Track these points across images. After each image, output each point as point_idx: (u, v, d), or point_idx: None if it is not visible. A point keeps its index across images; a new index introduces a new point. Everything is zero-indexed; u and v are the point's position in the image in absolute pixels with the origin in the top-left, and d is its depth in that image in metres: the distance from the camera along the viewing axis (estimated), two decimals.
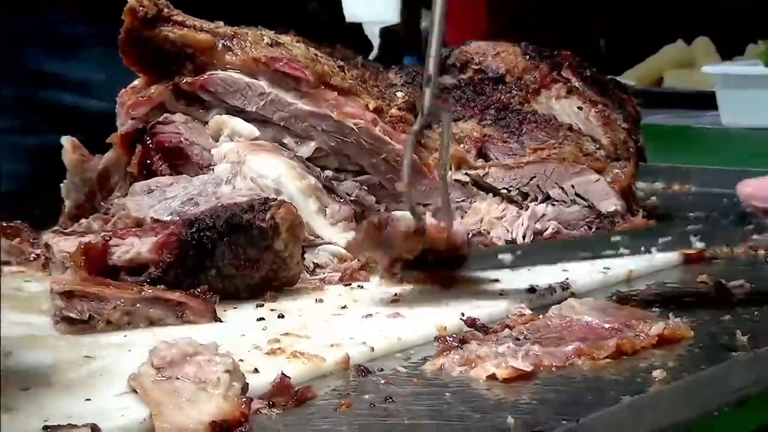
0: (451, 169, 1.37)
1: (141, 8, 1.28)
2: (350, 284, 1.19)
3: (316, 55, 1.37)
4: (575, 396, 0.88)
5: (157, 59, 1.32)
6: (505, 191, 1.37)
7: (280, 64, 1.30)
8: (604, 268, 1.26)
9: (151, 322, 1.01)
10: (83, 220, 1.23)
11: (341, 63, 1.38)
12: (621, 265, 1.26)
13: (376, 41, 1.91)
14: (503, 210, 1.31)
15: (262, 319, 1.06)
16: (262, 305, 1.10)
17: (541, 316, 1.05)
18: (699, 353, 0.97)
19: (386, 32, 1.85)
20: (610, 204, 1.40)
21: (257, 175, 1.22)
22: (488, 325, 1.04)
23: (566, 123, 1.49)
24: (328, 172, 1.29)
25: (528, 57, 1.55)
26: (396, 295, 1.15)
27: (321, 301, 1.13)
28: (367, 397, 0.87)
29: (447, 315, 1.07)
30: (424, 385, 0.90)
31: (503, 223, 1.30)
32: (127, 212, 1.14)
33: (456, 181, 1.36)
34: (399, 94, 1.39)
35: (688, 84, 2.56)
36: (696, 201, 1.75)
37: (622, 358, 0.95)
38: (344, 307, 1.11)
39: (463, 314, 1.06)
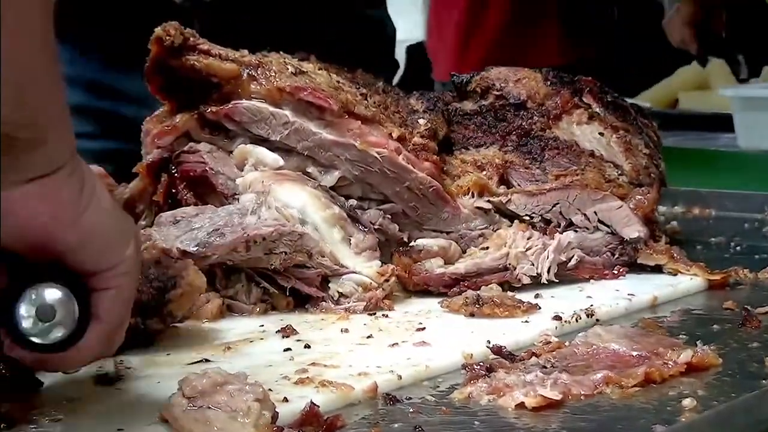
0: (472, 196, 1.37)
1: (168, 37, 1.29)
2: (375, 313, 1.19)
3: (339, 82, 1.38)
4: (605, 425, 0.87)
5: (182, 88, 1.32)
6: (527, 218, 1.37)
7: (305, 93, 1.30)
8: (629, 294, 1.26)
9: None
10: None
11: (363, 90, 1.39)
12: (645, 292, 1.27)
13: (401, 59, 1.93)
14: (528, 239, 1.31)
15: (288, 349, 1.06)
16: (288, 336, 1.11)
17: (567, 344, 1.05)
18: (728, 381, 0.96)
19: (413, 49, 1.87)
20: (633, 230, 1.39)
21: (282, 205, 1.22)
22: (515, 353, 1.04)
23: (588, 149, 1.49)
24: (352, 201, 1.29)
25: (549, 83, 1.55)
26: (421, 323, 1.15)
27: (346, 330, 1.13)
28: (396, 426, 0.87)
29: (473, 342, 1.07)
30: (452, 414, 0.90)
31: (529, 256, 1.30)
32: (153, 242, 1.14)
33: (478, 208, 1.36)
34: (421, 121, 1.39)
35: (703, 106, 2.55)
36: (717, 225, 1.75)
37: (651, 387, 0.95)
38: (370, 336, 1.11)
39: (489, 342, 1.07)
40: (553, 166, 1.44)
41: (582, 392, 0.93)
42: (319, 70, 1.39)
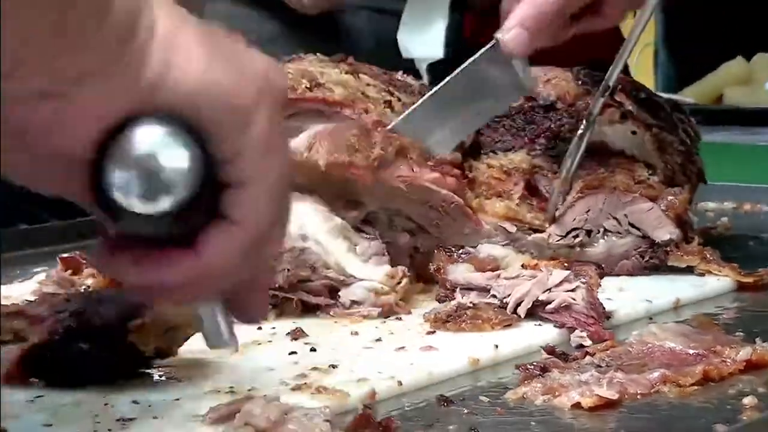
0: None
1: None
2: (388, 316, 1.18)
3: (368, 85, 1.37)
4: (664, 424, 0.87)
5: None
6: (572, 240, 1.34)
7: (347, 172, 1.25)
8: (650, 296, 1.23)
9: None
10: None
11: (388, 97, 1.37)
12: (667, 294, 1.24)
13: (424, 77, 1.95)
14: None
15: (294, 353, 1.06)
16: (297, 339, 1.10)
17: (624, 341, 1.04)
18: None
19: (433, 68, 1.88)
20: (665, 232, 1.36)
21: None
22: (568, 353, 1.03)
23: (619, 149, 1.46)
24: (355, 213, 1.27)
25: (580, 82, 1.52)
26: (432, 326, 1.14)
27: (356, 333, 1.13)
28: (451, 427, 0.87)
29: (481, 347, 1.06)
30: (507, 415, 0.90)
31: (512, 284, 1.17)
32: None
33: (501, 225, 1.34)
34: None
35: (749, 101, 2.52)
36: None
37: (709, 385, 0.94)
38: (378, 340, 1.10)
39: (496, 345, 1.06)
40: (581, 169, 1.42)
41: (639, 391, 0.92)
42: (345, 74, 1.37)
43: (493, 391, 0.96)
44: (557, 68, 1.55)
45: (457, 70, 1.34)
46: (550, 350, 1.04)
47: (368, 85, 1.38)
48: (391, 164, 1.27)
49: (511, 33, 1.30)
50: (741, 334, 1.06)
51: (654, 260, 1.36)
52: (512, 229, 1.33)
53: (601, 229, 1.36)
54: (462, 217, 1.31)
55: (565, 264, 1.19)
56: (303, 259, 1.20)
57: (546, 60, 1.47)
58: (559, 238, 1.35)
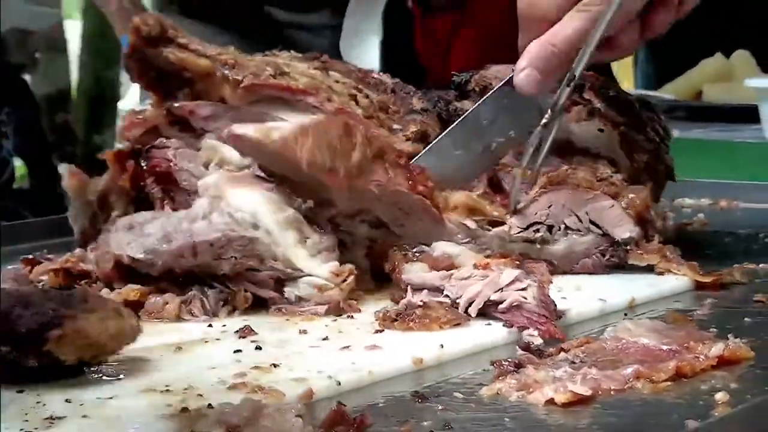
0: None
1: (145, 27, 1.29)
2: (340, 314, 1.18)
3: (337, 82, 1.36)
4: (637, 420, 0.87)
5: (160, 80, 1.32)
6: (532, 234, 1.34)
7: None
8: (603, 296, 1.22)
9: None
10: (78, 250, 1.24)
11: (353, 92, 1.37)
12: (623, 293, 1.24)
13: None
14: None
15: (239, 351, 1.05)
16: (245, 337, 1.10)
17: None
18: (761, 374, 0.96)
19: None
20: (625, 230, 1.35)
21: (235, 210, 1.20)
22: (543, 349, 1.03)
23: (582, 146, 1.45)
24: (310, 202, 1.26)
25: None
26: (381, 325, 1.13)
27: (305, 332, 1.12)
28: (425, 423, 0.87)
29: (426, 346, 1.05)
30: (482, 411, 0.90)
31: (464, 284, 1.17)
32: (107, 250, 1.15)
33: (462, 223, 1.33)
34: (412, 126, 1.37)
35: (728, 97, 2.52)
36: (746, 217, 1.72)
37: (682, 381, 0.95)
38: (326, 338, 1.09)
39: (442, 345, 1.05)
40: (544, 166, 1.41)
41: (612, 387, 0.93)
42: (313, 69, 1.37)
43: (468, 387, 0.96)
44: None
45: (479, 101, 1.38)
46: (525, 346, 1.04)
47: (336, 81, 1.38)
48: (368, 170, 1.26)
49: (522, 73, 1.31)
50: (714, 330, 1.07)
51: (614, 259, 1.35)
52: (472, 225, 1.33)
53: (562, 227, 1.35)
54: (427, 217, 1.30)
55: (517, 262, 1.19)
56: (251, 249, 1.18)
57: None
58: (520, 230, 1.34)
